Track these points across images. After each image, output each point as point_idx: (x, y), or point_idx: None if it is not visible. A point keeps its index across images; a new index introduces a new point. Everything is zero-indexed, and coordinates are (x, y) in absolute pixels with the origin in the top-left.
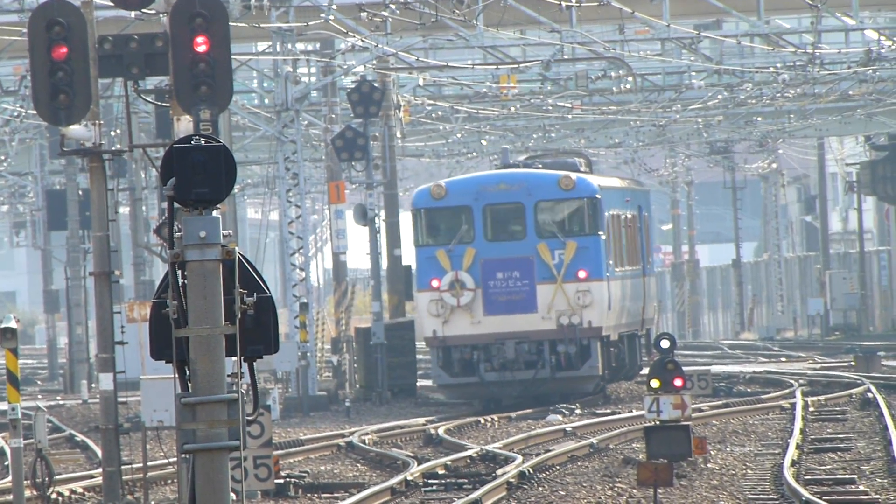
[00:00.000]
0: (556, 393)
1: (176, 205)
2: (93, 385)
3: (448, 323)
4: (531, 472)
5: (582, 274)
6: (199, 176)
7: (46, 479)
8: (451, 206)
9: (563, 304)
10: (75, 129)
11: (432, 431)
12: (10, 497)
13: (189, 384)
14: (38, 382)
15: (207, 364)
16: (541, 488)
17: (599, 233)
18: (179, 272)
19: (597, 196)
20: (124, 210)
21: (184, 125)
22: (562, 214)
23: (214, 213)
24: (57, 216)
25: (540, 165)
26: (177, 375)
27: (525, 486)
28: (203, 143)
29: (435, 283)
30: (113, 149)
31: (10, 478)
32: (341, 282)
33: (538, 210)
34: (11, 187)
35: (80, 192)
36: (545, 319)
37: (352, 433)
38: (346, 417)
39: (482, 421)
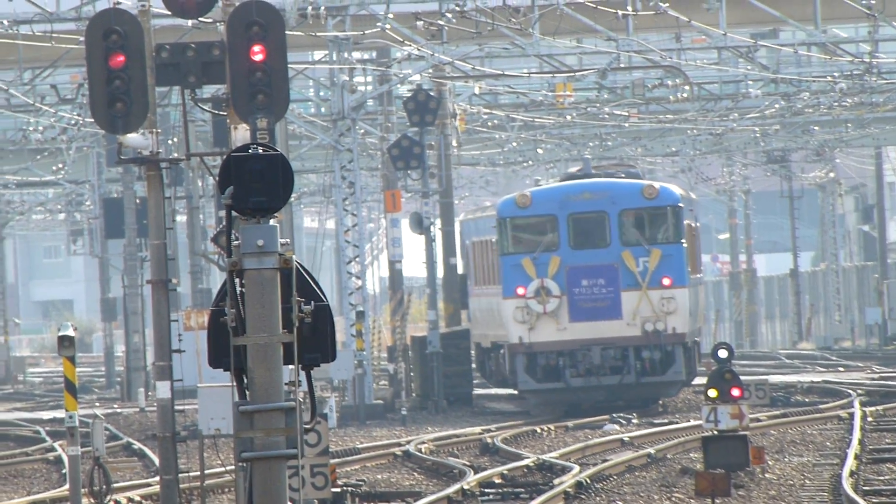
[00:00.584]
0: (641, 398)
1: (234, 213)
2: (150, 393)
3: (534, 329)
4: (588, 481)
5: (666, 281)
6: (257, 184)
7: (104, 486)
8: (536, 214)
9: (647, 311)
10: (132, 138)
11: (489, 440)
12: None
13: (247, 392)
14: (96, 390)
15: (265, 372)
16: (598, 498)
17: (682, 241)
18: (237, 280)
19: (679, 204)
20: (181, 218)
21: (241, 134)
22: (646, 222)
23: (272, 221)
24: (114, 224)
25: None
26: (234, 384)
27: (582, 496)
28: (261, 151)
29: (521, 291)
30: (170, 157)
31: (67, 485)
32: (397, 290)
33: (622, 218)
34: (69, 195)
35: (137, 201)
36: (630, 326)
37: (408, 442)
38: (403, 426)
39: (538, 430)
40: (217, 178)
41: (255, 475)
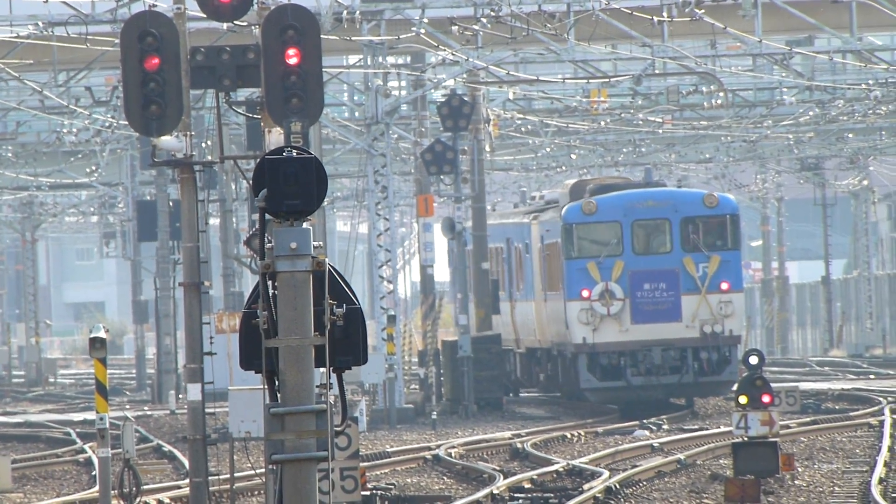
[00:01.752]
0: (697, 396)
1: (267, 216)
2: (180, 396)
3: (597, 330)
4: (618, 487)
5: (724, 286)
6: (291, 187)
7: (133, 488)
8: (601, 221)
9: (706, 314)
10: (167, 140)
11: (518, 445)
12: None
13: (278, 395)
14: (126, 393)
15: (296, 375)
16: None
17: (739, 247)
18: (270, 283)
19: (737, 213)
20: (214, 221)
21: (274, 137)
22: (706, 230)
23: (305, 224)
24: (147, 227)
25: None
26: (266, 386)
27: (612, 502)
28: (295, 154)
29: (585, 294)
30: (204, 160)
31: (97, 487)
32: (428, 294)
33: (684, 225)
34: (102, 198)
35: (171, 203)
36: (689, 328)
37: (438, 446)
38: (433, 430)
39: (568, 436)
40: (251, 182)
41: (286, 477)
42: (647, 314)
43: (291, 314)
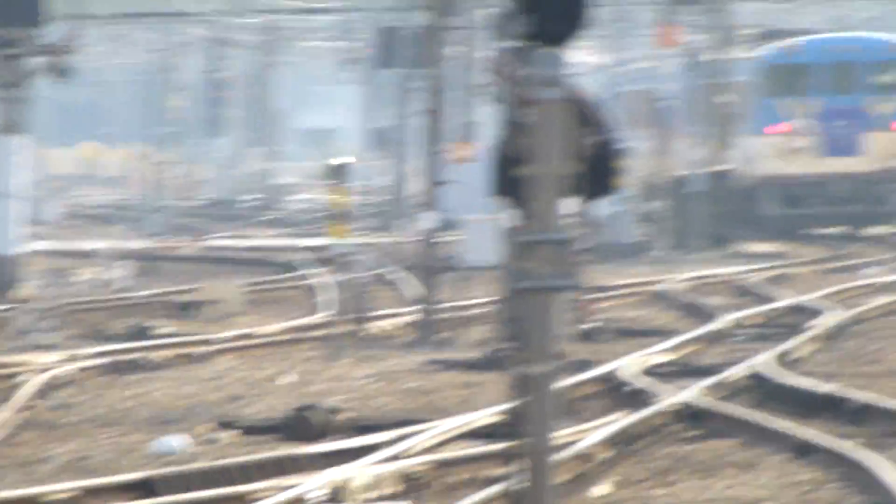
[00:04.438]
0: (875, 223)
1: (525, 42)
2: (412, 223)
3: (788, 162)
4: (844, 325)
5: None
6: (552, 12)
7: (363, 314)
8: (797, 62)
9: (891, 150)
10: None
11: (745, 282)
12: (331, 331)
13: (526, 223)
14: (357, 220)
15: (545, 203)
16: (853, 342)
17: None
18: (523, 111)
19: None
20: (458, 49)
21: None
22: (892, 72)
23: (562, 51)
24: (387, 54)
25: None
26: (515, 214)
27: (838, 338)
28: None
29: (780, 128)
30: None
31: (328, 311)
32: (663, 128)
33: (872, 68)
34: (344, 22)
35: (414, 31)
36: (871, 162)
37: (664, 280)
38: (661, 264)
39: (795, 273)
40: (498, 8)
41: (528, 307)
42: (835, 149)
43: (543, 142)
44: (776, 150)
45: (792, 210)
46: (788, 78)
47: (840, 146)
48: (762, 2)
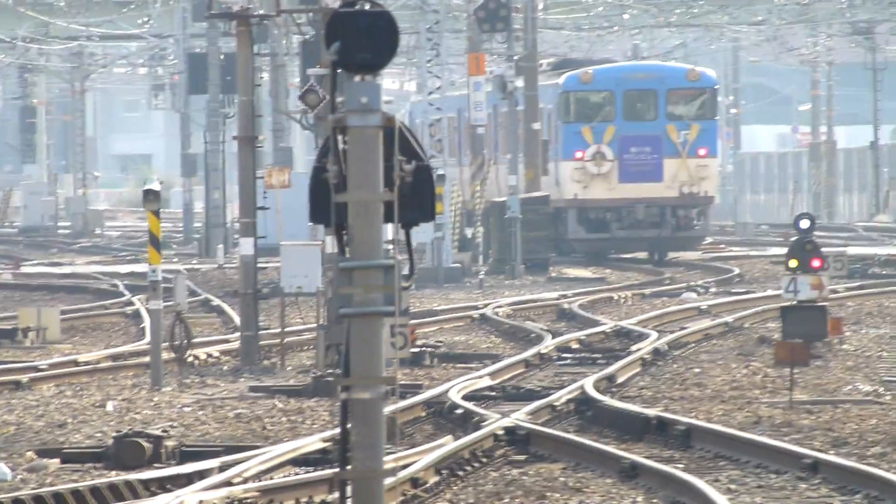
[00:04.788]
0: (674, 248)
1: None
2: (229, 251)
3: (588, 188)
4: (666, 348)
5: (702, 151)
6: (364, 41)
7: (184, 341)
8: (597, 89)
9: (685, 176)
10: None
11: (566, 306)
12: (147, 358)
13: (346, 250)
14: (173, 246)
15: (366, 229)
16: (675, 365)
17: (716, 117)
18: (340, 138)
19: (716, 87)
20: (264, 76)
21: None
22: (688, 101)
23: (376, 79)
24: (197, 80)
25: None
26: (336, 241)
27: (659, 363)
28: (367, 7)
29: (579, 155)
30: (259, 13)
31: (147, 339)
32: (477, 155)
33: (669, 96)
34: (152, 49)
35: (222, 57)
36: (669, 188)
37: (485, 305)
38: (480, 290)
39: (615, 297)
40: (305, 36)
41: (353, 331)
42: (633, 174)
43: (362, 169)
44: (580, 175)
45: (595, 235)
46: (590, 105)
47: (639, 172)
48: (574, 31)
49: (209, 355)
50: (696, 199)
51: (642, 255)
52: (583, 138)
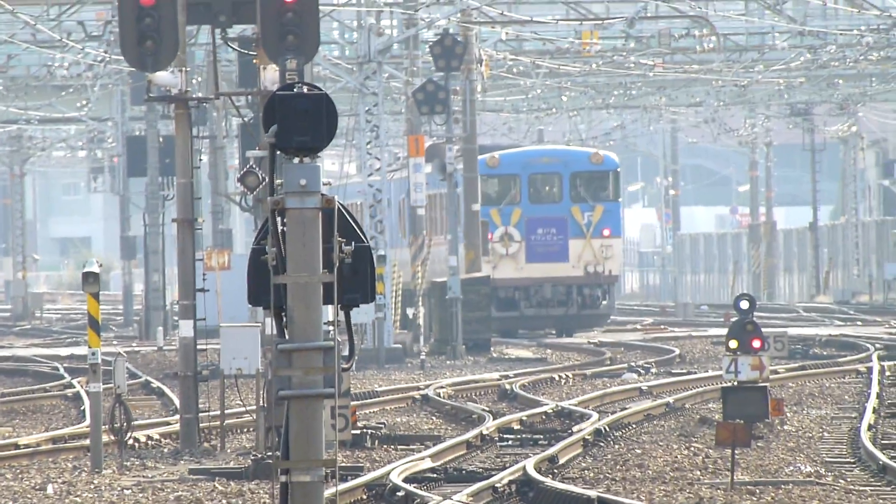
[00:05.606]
0: (580, 325)
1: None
2: (169, 333)
3: (497, 268)
4: (607, 429)
5: (606, 232)
6: (302, 124)
7: (124, 424)
8: (503, 173)
9: (590, 256)
10: (161, 76)
11: (507, 387)
12: (88, 441)
13: (286, 331)
14: (113, 328)
15: (305, 311)
16: (617, 446)
17: (620, 199)
18: (279, 219)
19: (618, 169)
20: (203, 158)
21: (269, 74)
22: (591, 183)
23: (315, 161)
24: (136, 162)
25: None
26: (274, 322)
27: (601, 444)
28: (305, 91)
29: (488, 236)
30: (199, 96)
31: (87, 422)
32: (418, 235)
33: (573, 179)
34: (91, 132)
35: (161, 139)
36: (575, 268)
37: (427, 386)
38: (421, 370)
39: (557, 378)
40: (262, 117)
41: (293, 413)
42: (539, 255)
43: (300, 251)
44: (489, 256)
45: (505, 313)
46: (498, 189)
47: (545, 253)
48: (513, 113)
49: (149, 438)
50: (601, 277)
51: (562, 338)
52: (492, 220)
